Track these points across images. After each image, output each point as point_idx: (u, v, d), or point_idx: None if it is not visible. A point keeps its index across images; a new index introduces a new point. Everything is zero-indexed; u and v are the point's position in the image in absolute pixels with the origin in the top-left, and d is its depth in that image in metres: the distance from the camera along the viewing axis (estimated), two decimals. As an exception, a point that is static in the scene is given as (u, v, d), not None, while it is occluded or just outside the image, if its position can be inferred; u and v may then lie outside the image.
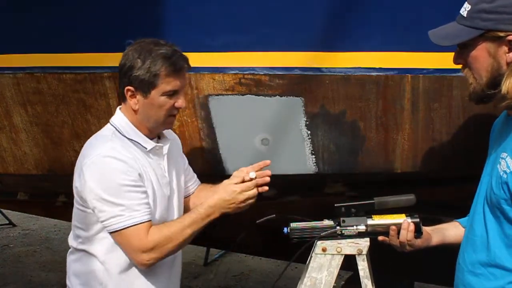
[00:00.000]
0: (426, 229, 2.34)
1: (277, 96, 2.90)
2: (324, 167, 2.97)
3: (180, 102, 2.35)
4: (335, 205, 2.37)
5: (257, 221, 2.45)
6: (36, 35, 3.04)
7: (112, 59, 2.97)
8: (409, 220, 2.31)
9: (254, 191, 2.37)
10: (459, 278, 2.17)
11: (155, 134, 2.45)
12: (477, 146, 2.68)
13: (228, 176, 2.96)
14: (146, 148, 2.38)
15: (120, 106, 2.45)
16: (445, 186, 3.31)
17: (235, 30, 2.86)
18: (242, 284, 6.09)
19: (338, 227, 2.34)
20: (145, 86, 2.31)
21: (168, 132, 2.55)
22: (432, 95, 2.84)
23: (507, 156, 1.99)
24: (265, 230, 2.99)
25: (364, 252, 2.33)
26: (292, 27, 2.82)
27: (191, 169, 2.71)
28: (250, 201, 2.37)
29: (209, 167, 3.02)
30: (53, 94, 3.11)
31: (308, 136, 2.93)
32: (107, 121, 3.04)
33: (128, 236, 2.27)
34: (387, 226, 2.31)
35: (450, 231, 2.38)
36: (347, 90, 2.85)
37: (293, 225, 2.40)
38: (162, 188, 2.41)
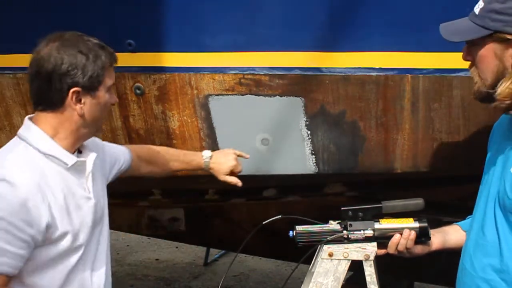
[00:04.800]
0: None
1: (277, 96, 2.90)
2: (324, 167, 2.97)
3: (115, 97, 2.12)
4: (342, 208, 2.35)
5: (264, 222, 2.45)
6: (37, 35, 3.04)
7: (112, 59, 2.98)
8: (417, 224, 2.29)
9: None
10: (467, 284, 2.13)
11: (75, 147, 2.05)
12: (477, 146, 2.68)
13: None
14: (67, 164, 1.98)
15: (30, 116, 2.04)
16: (445, 186, 3.31)
17: (235, 30, 2.86)
18: (242, 284, 6.09)
19: (344, 231, 2.33)
20: (94, 83, 1.98)
21: (90, 142, 2.17)
22: (432, 95, 2.84)
23: None
24: (266, 230, 2.98)
25: (371, 257, 2.31)
26: (292, 27, 2.82)
27: (115, 152, 2.40)
28: None
29: (209, 167, 3.02)
30: (53, 94, 3.10)
31: (308, 136, 2.93)
32: (107, 121, 3.06)
33: None
34: (395, 230, 2.30)
35: (451, 235, 2.35)
36: (347, 90, 2.85)
37: (299, 228, 2.37)
38: (85, 212, 2.03)
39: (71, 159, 1.99)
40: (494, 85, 1.99)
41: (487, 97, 2.03)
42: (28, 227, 1.86)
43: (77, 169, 2.02)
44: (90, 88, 1.98)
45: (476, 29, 1.99)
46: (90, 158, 2.07)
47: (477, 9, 2.02)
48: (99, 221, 2.11)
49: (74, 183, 2.01)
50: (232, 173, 2.62)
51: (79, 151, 2.08)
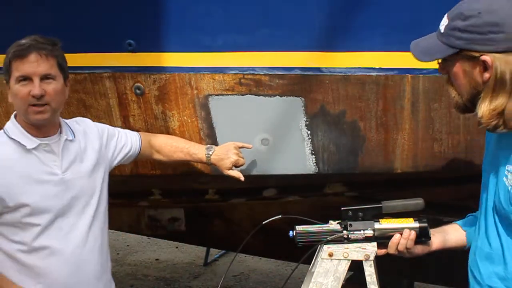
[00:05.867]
0: None
1: (277, 96, 2.90)
2: (324, 167, 2.97)
3: (33, 90, 2.37)
4: (342, 208, 2.35)
5: (263, 222, 2.45)
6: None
7: (112, 59, 2.98)
8: (417, 224, 2.29)
9: None
10: None
11: (47, 130, 2.47)
12: (477, 146, 2.68)
13: (227, 177, 2.97)
14: (26, 146, 2.42)
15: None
16: (445, 186, 3.31)
17: (235, 30, 2.86)
18: (242, 284, 6.09)
19: (345, 231, 2.32)
20: (6, 76, 2.43)
21: (77, 126, 2.62)
22: (432, 95, 2.84)
23: None
24: (266, 230, 2.99)
25: (372, 257, 2.31)
26: (292, 27, 2.82)
27: (124, 137, 2.79)
28: None
29: (209, 167, 3.02)
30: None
31: (308, 136, 2.93)
32: (107, 121, 3.06)
33: None
34: (395, 230, 2.29)
35: (451, 234, 2.35)
36: (347, 90, 2.85)
37: (299, 228, 2.37)
38: (49, 185, 2.44)
39: (32, 142, 2.43)
40: (471, 99, 2.02)
41: (467, 110, 2.05)
42: None
43: (45, 149, 2.45)
44: (7, 80, 2.44)
45: (443, 48, 2.01)
46: (59, 142, 2.49)
47: (442, 27, 2.02)
48: (81, 194, 2.51)
49: (38, 161, 2.44)
50: (234, 166, 2.83)
51: (60, 133, 2.51)
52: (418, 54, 2.10)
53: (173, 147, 2.89)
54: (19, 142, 2.43)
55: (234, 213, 4.18)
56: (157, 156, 2.91)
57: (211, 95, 2.94)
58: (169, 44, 2.92)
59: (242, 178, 2.81)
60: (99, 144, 2.65)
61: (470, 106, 2.03)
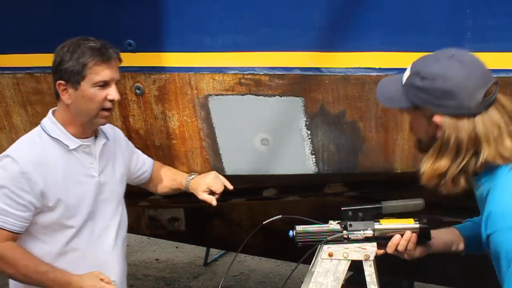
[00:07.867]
0: None
1: (277, 96, 2.90)
2: (324, 167, 2.97)
3: (112, 94, 2.38)
4: (342, 208, 2.35)
5: (264, 222, 2.45)
6: (36, 35, 3.05)
7: (112, 59, 2.98)
8: (418, 225, 2.29)
9: None
10: None
11: (89, 132, 2.48)
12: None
13: (227, 176, 2.98)
14: (69, 147, 2.42)
15: (54, 108, 2.50)
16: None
17: (235, 30, 2.86)
18: (242, 284, 6.10)
19: (344, 231, 2.33)
20: (75, 78, 2.36)
21: (109, 131, 2.61)
22: (432, 95, 2.84)
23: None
24: (266, 230, 2.99)
25: (371, 257, 2.31)
26: (292, 27, 2.82)
27: (142, 157, 2.83)
28: None
29: (209, 167, 3.03)
30: (53, 94, 3.10)
31: (308, 136, 2.93)
32: (107, 121, 3.06)
33: None
34: (395, 231, 2.29)
35: (450, 239, 2.33)
36: (347, 90, 2.85)
37: (299, 228, 2.37)
38: (86, 187, 2.46)
39: (74, 143, 2.43)
40: (429, 144, 2.04)
41: (426, 151, 2.06)
42: (25, 194, 2.33)
43: (85, 150, 2.46)
44: (72, 82, 2.37)
45: (403, 99, 2.05)
46: (98, 145, 2.50)
47: (404, 78, 2.06)
48: (110, 199, 2.54)
49: (77, 162, 2.45)
50: (211, 192, 2.77)
51: (96, 136, 2.51)
52: (382, 98, 2.15)
53: (163, 173, 2.89)
54: (60, 142, 2.42)
55: (234, 213, 4.18)
56: (150, 185, 2.91)
57: (211, 95, 2.94)
58: (169, 44, 2.92)
59: (214, 203, 2.76)
60: (126, 154, 2.69)
61: (428, 148, 2.07)
